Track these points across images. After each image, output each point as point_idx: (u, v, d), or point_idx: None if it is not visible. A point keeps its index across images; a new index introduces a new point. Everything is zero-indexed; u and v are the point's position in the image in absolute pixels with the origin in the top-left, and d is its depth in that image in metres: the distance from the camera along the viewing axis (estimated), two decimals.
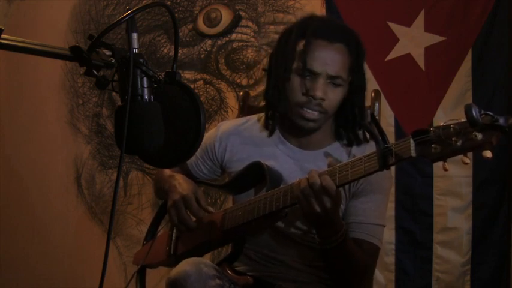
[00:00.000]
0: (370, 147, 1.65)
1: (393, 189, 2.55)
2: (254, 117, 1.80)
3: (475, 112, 1.15)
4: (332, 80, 1.59)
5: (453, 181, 2.56)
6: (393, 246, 2.59)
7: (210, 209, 1.67)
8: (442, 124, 1.25)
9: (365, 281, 1.66)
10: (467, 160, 1.23)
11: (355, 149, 1.68)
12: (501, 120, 1.16)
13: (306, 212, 1.45)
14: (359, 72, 1.63)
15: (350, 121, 1.66)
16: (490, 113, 1.17)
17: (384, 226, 1.65)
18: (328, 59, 1.58)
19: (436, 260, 2.60)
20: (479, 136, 1.18)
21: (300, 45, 1.60)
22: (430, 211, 2.60)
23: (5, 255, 3.18)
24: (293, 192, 1.48)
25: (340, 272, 1.57)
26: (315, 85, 1.58)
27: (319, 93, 1.58)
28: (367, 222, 1.58)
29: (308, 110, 1.60)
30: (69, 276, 3.12)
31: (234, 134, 1.78)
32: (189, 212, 1.67)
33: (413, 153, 1.28)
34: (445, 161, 1.26)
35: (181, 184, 1.69)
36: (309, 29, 1.60)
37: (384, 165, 1.34)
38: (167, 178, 1.76)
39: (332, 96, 1.60)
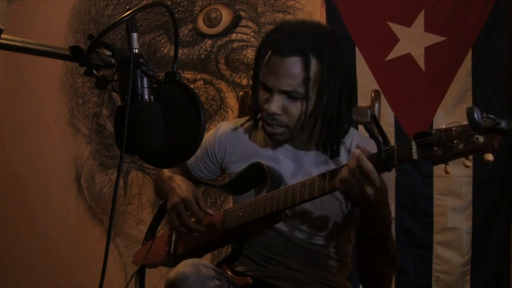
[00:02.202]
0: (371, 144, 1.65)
1: (393, 189, 2.55)
2: None
3: (477, 115, 1.15)
4: (287, 94, 1.56)
5: (453, 181, 2.56)
6: None
7: (210, 211, 1.67)
8: (443, 127, 1.24)
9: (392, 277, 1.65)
10: (469, 163, 1.23)
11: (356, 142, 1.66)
12: (503, 124, 1.16)
13: (349, 199, 1.43)
14: (330, 79, 1.56)
15: (333, 130, 1.60)
16: (491, 116, 1.16)
17: (393, 219, 1.64)
18: (280, 74, 1.55)
19: (436, 260, 2.60)
20: (481, 139, 1.18)
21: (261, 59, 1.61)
22: (430, 211, 2.60)
23: (5, 255, 3.18)
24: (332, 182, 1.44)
25: (377, 264, 1.54)
26: (269, 100, 1.57)
27: (272, 108, 1.56)
28: None
29: (266, 125, 1.60)
30: (69, 276, 3.12)
31: (233, 135, 1.78)
32: (189, 214, 1.67)
33: (414, 156, 1.27)
34: (446, 163, 1.26)
35: (180, 186, 1.69)
36: (265, 44, 1.60)
37: (385, 167, 1.33)
38: (166, 180, 1.76)
39: (292, 110, 1.57)
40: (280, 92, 1.56)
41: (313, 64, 1.55)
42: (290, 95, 1.56)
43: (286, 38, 1.56)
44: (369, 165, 1.33)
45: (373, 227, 1.44)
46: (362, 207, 1.44)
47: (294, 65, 1.54)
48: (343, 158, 1.64)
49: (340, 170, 1.42)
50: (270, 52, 1.58)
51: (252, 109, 1.68)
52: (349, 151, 1.66)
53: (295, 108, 1.57)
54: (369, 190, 1.36)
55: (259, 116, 1.66)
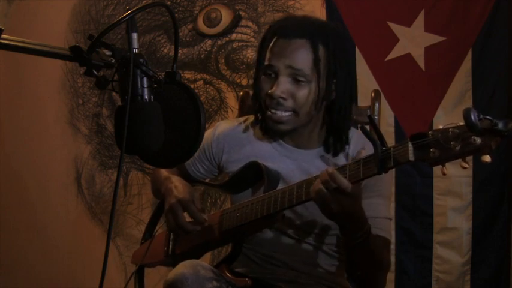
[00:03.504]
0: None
1: (393, 189, 2.55)
2: (251, 117, 1.78)
3: (473, 117, 1.14)
4: (294, 75, 1.55)
5: (453, 181, 2.56)
6: (393, 246, 2.59)
7: (204, 215, 1.64)
8: (440, 127, 1.23)
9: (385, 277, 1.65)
10: (466, 165, 1.22)
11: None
12: (500, 125, 1.15)
13: (326, 213, 1.42)
14: (337, 66, 1.56)
15: (335, 126, 1.61)
16: (489, 117, 1.15)
17: (390, 219, 1.64)
18: (286, 53, 1.54)
19: (436, 260, 2.60)
20: (478, 140, 1.17)
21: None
22: (430, 211, 2.60)
23: (5, 255, 3.18)
24: (307, 193, 1.45)
25: (365, 269, 1.55)
26: (275, 83, 1.56)
27: (277, 91, 1.55)
28: (374, 216, 1.56)
29: (272, 110, 1.58)
30: (69, 276, 3.12)
31: (232, 135, 1.77)
32: (185, 215, 1.66)
33: (411, 158, 1.26)
34: (443, 165, 1.25)
35: (177, 187, 1.67)
36: (270, 31, 1.60)
37: (382, 169, 1.33)
38: (164, 180, 1.74)
39: (298, 94, 1.55)
40: (285, 74, 1.55)
41: (321, 49, 1.55)
42: (296, 79, 1.55)
43: (293, 24, 1.57)
44: (343, 182, 1.34)
45: (353, 237, 1.45)
46: (339, 219, 1.43)
47: (301, 47, 1.55)
48: (341, 157, 1.64)
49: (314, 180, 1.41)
50: (275, 38, 1.58)
51: (254, 99, 1.65)
52: (347, 156, 1.65)
53: (301, 93, 1.55)
54: (346, 203, 1.37)
55: (257, 104, 1.64)
